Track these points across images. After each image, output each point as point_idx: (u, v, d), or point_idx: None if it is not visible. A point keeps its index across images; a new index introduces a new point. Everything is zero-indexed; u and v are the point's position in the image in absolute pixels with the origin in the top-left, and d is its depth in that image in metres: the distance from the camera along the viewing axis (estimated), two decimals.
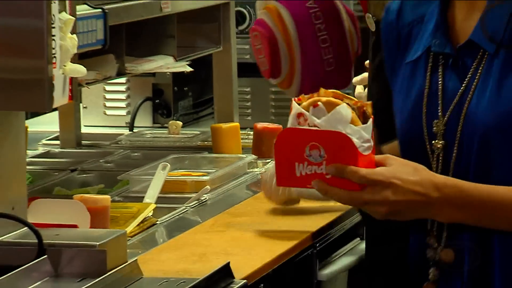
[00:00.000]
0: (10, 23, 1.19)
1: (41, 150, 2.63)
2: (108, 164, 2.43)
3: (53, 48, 1.20)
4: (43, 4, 1.18)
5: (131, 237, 1.70)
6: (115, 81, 2.74)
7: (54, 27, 1.20)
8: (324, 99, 1.03)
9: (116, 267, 1.26)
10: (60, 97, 1.25)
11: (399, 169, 1.04)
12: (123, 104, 2.96)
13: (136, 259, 1.36)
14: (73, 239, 1.30)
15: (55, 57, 1.21)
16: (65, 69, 1.23)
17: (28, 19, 1.19)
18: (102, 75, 1.94)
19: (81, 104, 2.79)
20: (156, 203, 1.88)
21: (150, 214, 1.79)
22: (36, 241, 1.25)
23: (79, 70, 1.28)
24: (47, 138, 2.74)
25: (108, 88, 2.94)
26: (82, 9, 1.65)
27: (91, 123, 2.93)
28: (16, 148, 1.39)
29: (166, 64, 2.24)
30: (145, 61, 2.20)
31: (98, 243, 1.25)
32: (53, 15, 1.20)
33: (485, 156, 1.08)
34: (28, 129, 2.03)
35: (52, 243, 1.27)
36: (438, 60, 1.13)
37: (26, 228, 1.30)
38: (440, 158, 1.11)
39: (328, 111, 1.02)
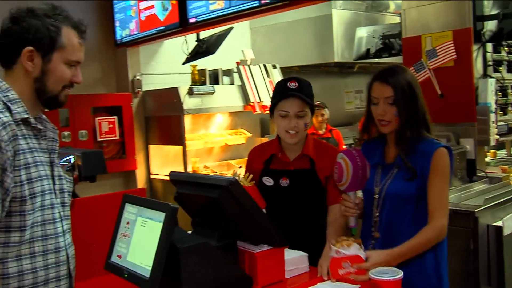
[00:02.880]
0: None
1: None
2: None
3: None
4: None
5: None
6: None
7: None
8: (345, 243, 2.59)
9: None
10: None
11: (374, 256, 2.60)
12: None
13: None
14: None
15: None
16: None
17: None
18: None
19: None
20: None
21: None
22: None
23: None
24: None
25: None
26: None
27: None
28: None
29: None
30: None
31: None
32: None
33: (390, 207, 2.82)
34: None
35: None
36: (378, 166, 2.92)
37: None
38: (375, 201, 2.85)
39: (348, 247, 2.60)
